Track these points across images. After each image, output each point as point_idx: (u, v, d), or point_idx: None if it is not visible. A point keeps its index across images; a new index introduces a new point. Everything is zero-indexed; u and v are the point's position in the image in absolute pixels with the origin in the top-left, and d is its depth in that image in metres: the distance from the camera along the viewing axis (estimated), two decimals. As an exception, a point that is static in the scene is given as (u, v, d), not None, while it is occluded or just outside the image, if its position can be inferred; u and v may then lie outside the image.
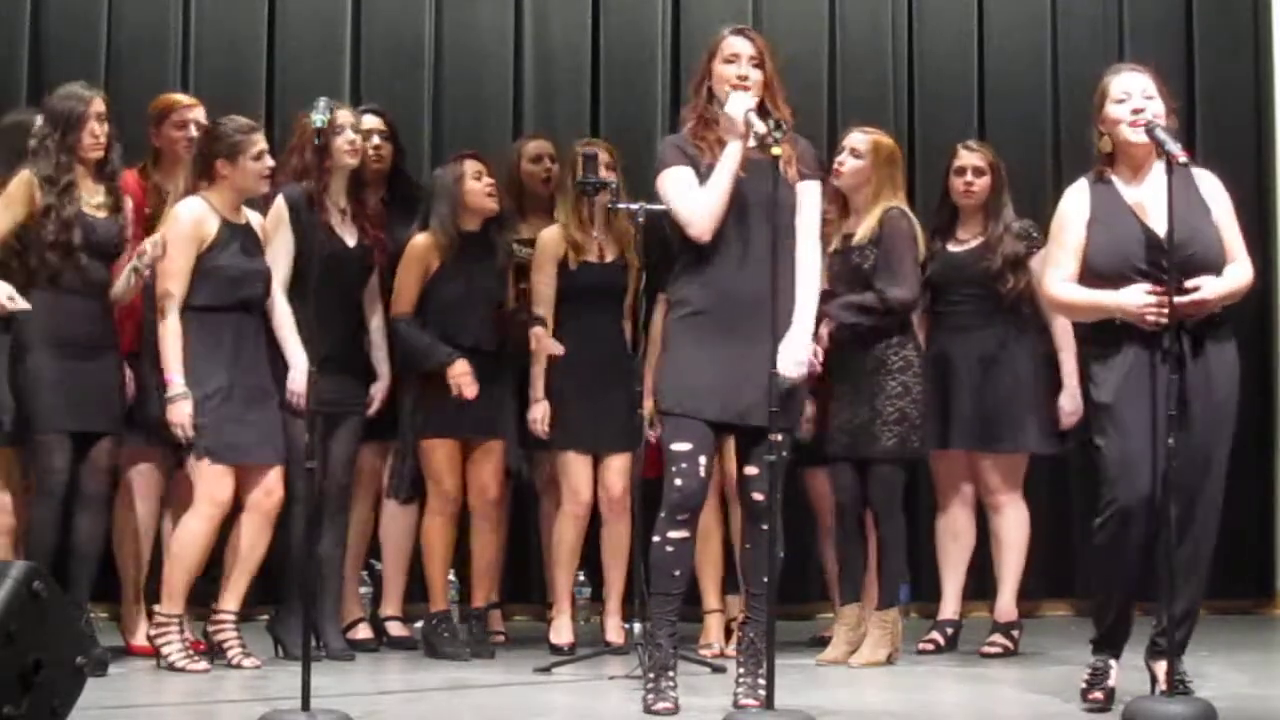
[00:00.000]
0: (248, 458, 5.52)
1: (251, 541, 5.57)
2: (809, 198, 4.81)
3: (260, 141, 5.62)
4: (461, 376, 5.87)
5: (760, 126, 4.55)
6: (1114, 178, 4.75)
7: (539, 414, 6.07)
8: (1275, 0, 7.75)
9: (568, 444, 6.10)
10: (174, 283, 5.49)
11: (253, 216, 5.73)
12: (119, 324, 5.58)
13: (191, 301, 5.51)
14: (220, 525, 5.53)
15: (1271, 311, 7.65)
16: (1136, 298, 4.55)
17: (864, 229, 5.80)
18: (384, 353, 6.02)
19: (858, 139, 5.90)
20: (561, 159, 6.39)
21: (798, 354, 4.66)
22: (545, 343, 6.00)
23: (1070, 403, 6.02)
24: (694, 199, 4.69)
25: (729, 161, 4.66)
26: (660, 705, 4.61)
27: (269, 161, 5.63)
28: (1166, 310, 4.50)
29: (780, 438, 4.48)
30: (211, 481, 5.47)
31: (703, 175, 4.72)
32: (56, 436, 5.33)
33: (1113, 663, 4.70)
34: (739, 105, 4.64)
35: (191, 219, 5.56)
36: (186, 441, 5.46)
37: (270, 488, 5.56)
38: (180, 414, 5.43)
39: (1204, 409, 4.56)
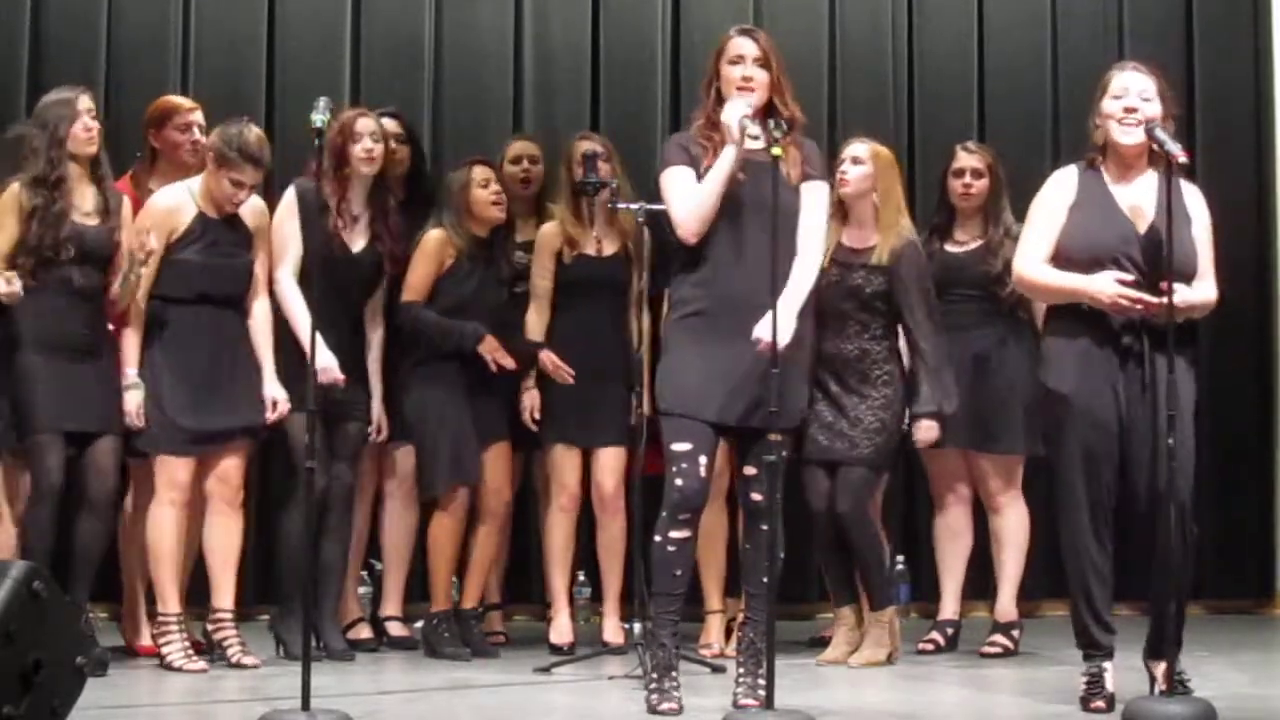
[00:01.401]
0: (198, 454, 5.53)
1: (220, 533, 5.60)
2: (813, 197, 4.81)
3: (247, 172, 5.55)
4: (495, 350, 5.90)
5: (754, 130, 4.55)
6: (1104, 170, 4.74)
7: (528, 403, 6.08)
8: (1275, 0, 7.75)
9: (556, 437, 6.12)
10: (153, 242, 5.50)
11: (249, 206, 5.68)
12: (117, 327, 5.57)
13: (154, 291, 5.53)
14: (185, 510, 5.54)
15: (1271, 312, 7.64)
16: (1108, 286, 4.54)
17: (878, 252, 5.77)
18: (379, 367, 6.02)
19: (858, 148, 5.87)
20: (550, 158, 6.40)
21: (774, 326, 4.45)
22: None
23: None
24: (685, 200, 4.70)
25: (722, 166, 4.66)
26: (665, 705, 4.61)
27: (242, 196, 5.60)
28: (1136, 302, 4.49)
29: (780, 438, 4.48)
30: (166, 469, 5.51)
31: (701, 175, 4.72)
32: (51, 436, 5.33)
33: (1106, 666, 4.69)
34: (733, 113, 4.65)
35: (163, 208, 5.59)
36: (136, 430, 5.49)
37: (225, 475, 5.58)
38: (132, 403, 5.47)
39: (1159, 411, 4.51)
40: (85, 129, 5.44)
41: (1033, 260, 4.72)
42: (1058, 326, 4.73)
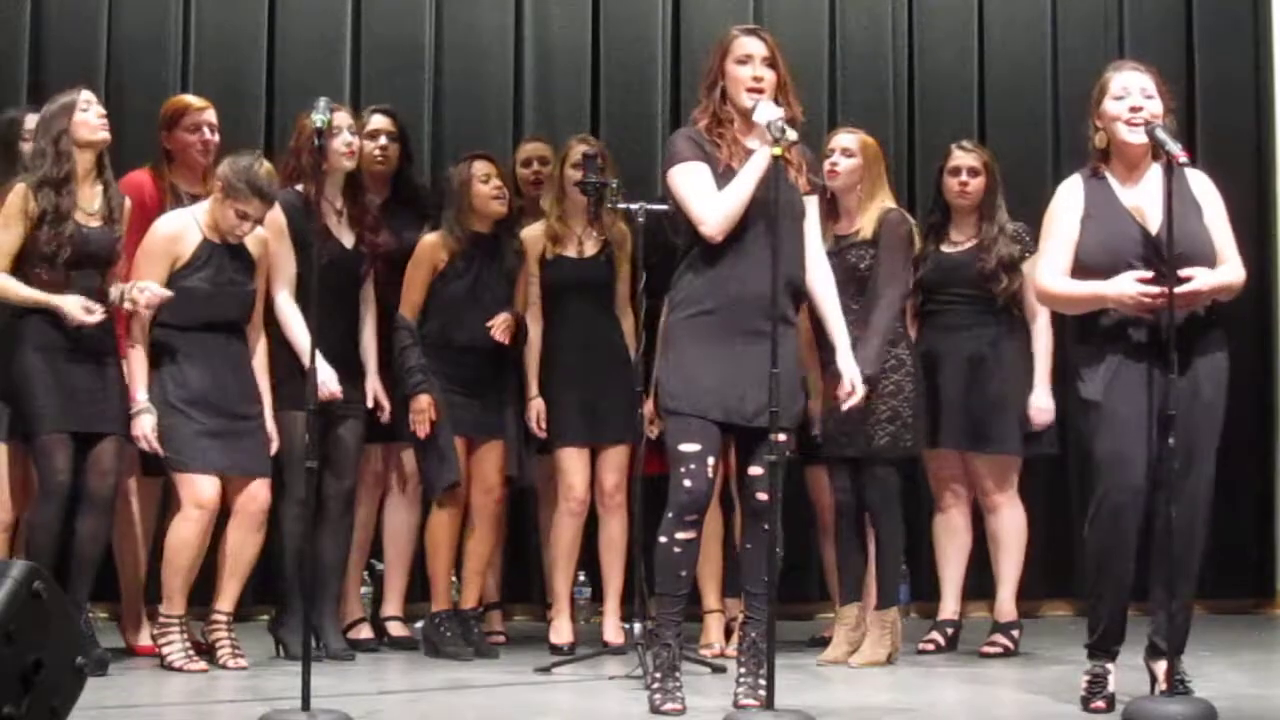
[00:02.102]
0: (222, 470, 5.54)
1: (238, 545, 5.61)
2: (814, 211, 4.85)
3: (254, 205, 5.54)
4: (417, 415, 5.87)
5: (792, 135, 4.53)
6: (1108, 174, 4.74)
7: (534, 412, 6.08)
8: (1275, 0, 7.76)
9: (561, 439, 6.11)
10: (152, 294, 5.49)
11: (253, 235, 5.68)
12: (118, 329, 5.57)
13: (160, 317, 5.54)
14: (210, 526, 5.55)
15: (1271, 311, 7.66)
16: (1128, 286, 4.53)
17: (864, 229, 5.79)
18: (373, 352, 6.00)
19: (847, 139, 5.89)
20: (555, 159, 6.39)
21: (855, 369, 4.85)
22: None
23: (1043, 402, 6.01)
24: (711, 199, 4.67)
25: (755, 169, 4.63)
26: (669, 705, 4.61)
27: (246, 228, 5.60)
28: (1159, 298, 4.48)
29: (782, 438, 4.48)
30: (192, 486, 5.51)
31: (719, 175, 4.70)
32: (58, 437, 5.33)
33: (1109, 667, 4.69)
34: (766, 115, 4.59)
35: (166, 236, 5.60)
36: (153, 454, 5.51)
37: (254, 493, 5.60)
38: (143, 428, 5.48)
39: (1189, 410, 4.52)
40: (99, 115, 5.44)
41: (1052, 273, 4.71)
42: (1087, 340, 4.70)
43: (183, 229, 5.61)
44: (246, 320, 5.68)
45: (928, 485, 6.44)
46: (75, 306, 5.32)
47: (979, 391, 6.01)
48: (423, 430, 5.87)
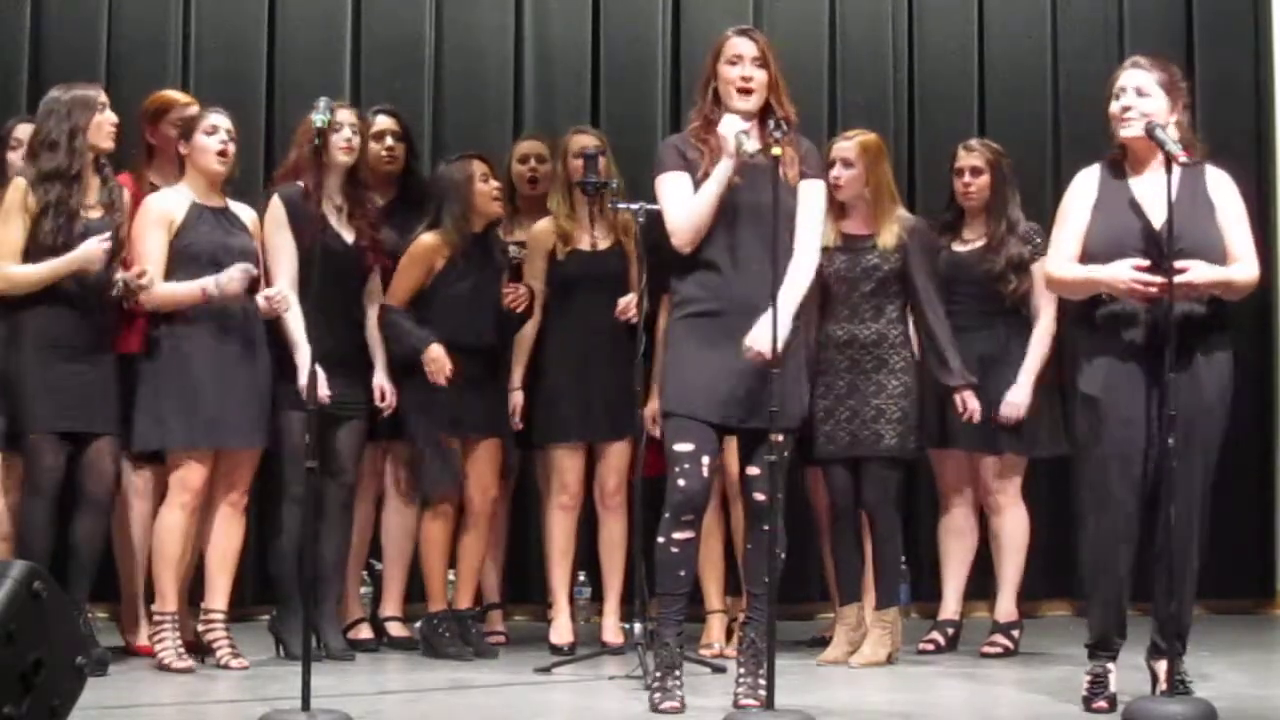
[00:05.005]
0: (224, 443, 5.52)
1: (221, 535, 5.60)
2: (810, 195, 4.82)
3: (215, 119, 5.59)
4: (433, 361, 5.85)
5: (750, 147, 4.57)
6: (1125, 166, 4.76)
7: (514, 404, 6.08)
8: (1275, 0, 7.76)
9: (555, 436, 6.12)
10: (150, 269, 5.47)
11: (242, 210, 5.71)
12: (128, 324, 5.56)
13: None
14: (197, 513, 5.54)
15: (1271, 311, 7.65)
16: (1123, 271, 4.56)
17: (887, 235, 5.76)
18: (380, 349, 6.00)
19: (844, 147, 5.86)
20: (554, 155, 6.38)
21: (769, 334, 4.47)
22: (515, 294, 6.00)
23: (1018, 398, 5.98)
24: (681, 209, 4.70)
25: (717, 177, 4.67)
26: (667, 704, 4.63)
27: (223, 137, 5.59)
28: (1154, 285, 4.50)
29: (781, 438, 4.48)
30: (182, 470, 5.49)
31: (698, 181, 4.72)
32: (48, 436, 5.33)
33: (1110, 666, 4.70)
34: (730, 126, 4.66)
35: (158, 203, 5.59)
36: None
37: (233, 479, 5.58)
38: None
39: (1188, 410, 4.52)
40: (111, 123, 5.46)
41: (1060, 259, 4.76)
42: (1085, 329, 4.73)
43: (172, 195, 5.60)
44: (254, 281, 5.62)
45: (930, 485, 6.44)
46: (90, 245, 5.30)
47: (988, 393, 5.99)
48: (442, 378, 5.84)
